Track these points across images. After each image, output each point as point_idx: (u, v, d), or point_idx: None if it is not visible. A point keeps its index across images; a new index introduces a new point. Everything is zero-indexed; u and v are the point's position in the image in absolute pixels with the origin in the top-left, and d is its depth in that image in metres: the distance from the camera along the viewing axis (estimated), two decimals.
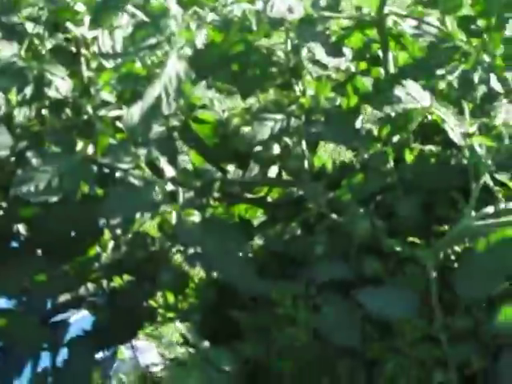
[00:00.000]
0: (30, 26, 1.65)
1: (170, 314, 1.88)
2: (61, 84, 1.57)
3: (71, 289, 1.81)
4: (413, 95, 1.47)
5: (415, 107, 1.49)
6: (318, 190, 1.65)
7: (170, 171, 1.61)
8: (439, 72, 1.61)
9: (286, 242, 1.67)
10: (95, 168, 1.58)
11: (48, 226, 1.60)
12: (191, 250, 1.59)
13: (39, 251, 1.79)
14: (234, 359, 1.55)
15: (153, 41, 1.50)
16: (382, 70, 1.79)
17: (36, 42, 1.68)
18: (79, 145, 1.63)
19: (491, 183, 1.46)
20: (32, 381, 1.85)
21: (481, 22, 1.58)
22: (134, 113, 1.48)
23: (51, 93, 1.57)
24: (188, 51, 1.54)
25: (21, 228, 1.74)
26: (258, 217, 1.94)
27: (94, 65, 1.71)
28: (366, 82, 1.83)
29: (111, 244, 1.89)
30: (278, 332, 1.55)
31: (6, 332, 1.81)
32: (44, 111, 1.71)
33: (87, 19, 1.65)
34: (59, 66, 1.62)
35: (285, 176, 1.86)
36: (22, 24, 1.64)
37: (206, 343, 1.64)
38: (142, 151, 1.59)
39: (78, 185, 1.53)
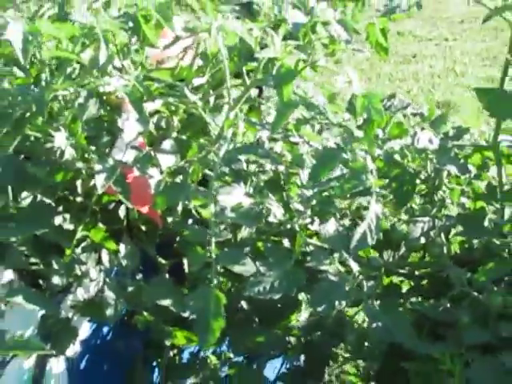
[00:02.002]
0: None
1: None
2: (276, 210, 1.65)
3: (279, 343, 1.87)
4: None
5: None
6: (461, 274, 1.66)
7: (355, 267, 1.63)
8: None
9: (440, 312, 1.68)
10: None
11: (263, 302, 1.60)
12: (374, 324, 1.61)
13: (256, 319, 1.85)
14: None
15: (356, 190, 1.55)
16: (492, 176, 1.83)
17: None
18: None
19: None
20: None
21: None
22: None
23: (270, 218, 1.65)
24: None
25: (243, 303, 1.82)
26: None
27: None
28: (481, 187, 1.86)
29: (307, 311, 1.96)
30: (439, 380, 1.58)
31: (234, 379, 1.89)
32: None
33: None
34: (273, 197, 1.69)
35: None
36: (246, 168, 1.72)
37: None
38: (336, 254, 1.65)
39: (294, 287, 1.58)
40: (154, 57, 1.78)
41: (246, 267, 1.53)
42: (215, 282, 1.46)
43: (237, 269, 1.52)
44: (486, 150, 1.80)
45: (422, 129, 1.82)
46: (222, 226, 1.59)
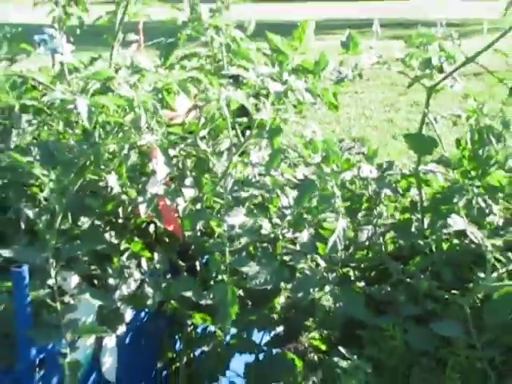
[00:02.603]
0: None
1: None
2: (266, 225, 1.67)
3: (266, 319, 1.91)
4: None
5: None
6: (397, 266, 1.74)
7: (322, 263, 1.71)
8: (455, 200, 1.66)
9: (383, 294, 1.75)
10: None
11: (254, 291, 1.68)
12: (337, 304, 1.69)
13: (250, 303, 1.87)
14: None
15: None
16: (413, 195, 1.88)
17: None
18: None
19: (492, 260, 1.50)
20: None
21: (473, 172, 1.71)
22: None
23: (262, 231, 1.68)
24: None
25: (240, 292, 1.76)
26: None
27: None
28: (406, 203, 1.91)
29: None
30: (385, 343, 1.64)
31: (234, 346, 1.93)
32: None
33: None
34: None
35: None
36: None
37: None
38: (309, 255, 1.70)
39: (280, 280, 1.66)
40: (166, 115, 1.81)
41: (251, 268, 1.59)
42: (229, 279, 1.54)
43: (244, 269, 1.58)
44: (409, 176, 1.86)
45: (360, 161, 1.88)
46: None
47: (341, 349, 1.61)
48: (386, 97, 8.30)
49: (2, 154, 1.72)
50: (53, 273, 1.51)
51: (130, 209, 1.75)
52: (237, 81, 1.86)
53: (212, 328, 1.90)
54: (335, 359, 1.58)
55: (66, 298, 1.54)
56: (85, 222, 1.67)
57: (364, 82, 8.58)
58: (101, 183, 1.68)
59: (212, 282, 1.79)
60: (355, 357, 1.58)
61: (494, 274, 1.53)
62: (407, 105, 7.93)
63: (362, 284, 1.89)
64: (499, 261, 1.55)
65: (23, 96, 1.88)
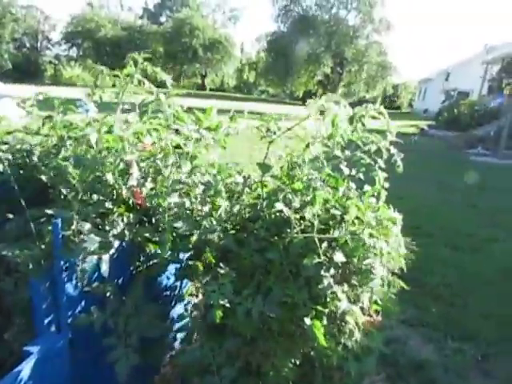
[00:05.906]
0: None
1: None
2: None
3: (186, 247, 1.71)
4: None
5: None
6: (251, 224, 1.66)
7: (214, 222, 1.67)
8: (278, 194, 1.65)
9: (244, 237, 1.64)
10: None
11: (181, 234, 1.57)
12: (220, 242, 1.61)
13: None
14: None
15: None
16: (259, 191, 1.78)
17: None
18: None
19: (293, 224, 1.51)
20: None
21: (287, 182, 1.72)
22: None
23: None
24: None
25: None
26: None
27: None
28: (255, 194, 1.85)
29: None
30: (241, 261, 1.57)
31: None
32: None
33: None
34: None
35: None
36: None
37: None
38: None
39: (193, 229, 1.56)
40: (140, 146, 1.72)
41: (179, 224, 1.52)
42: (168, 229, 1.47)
43: (176, 225, 1.51)
44: (257, 182, 1.80)
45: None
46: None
47: (221, 264, 1.57)
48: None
49: (53, 160, 1.63)
50: (74, 222, 1.44)
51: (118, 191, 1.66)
52: (178, 132, 1.82)
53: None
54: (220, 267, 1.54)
55: (82, 236, 1.44)
56: (95, 197, 1.57)
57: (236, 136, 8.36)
58: (103, 178, 1.58)
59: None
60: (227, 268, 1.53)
61: (294, 230, 1.51)
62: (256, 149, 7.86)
63: (233, 232, 1.80)
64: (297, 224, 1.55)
65: (69, 131, 1.78)
